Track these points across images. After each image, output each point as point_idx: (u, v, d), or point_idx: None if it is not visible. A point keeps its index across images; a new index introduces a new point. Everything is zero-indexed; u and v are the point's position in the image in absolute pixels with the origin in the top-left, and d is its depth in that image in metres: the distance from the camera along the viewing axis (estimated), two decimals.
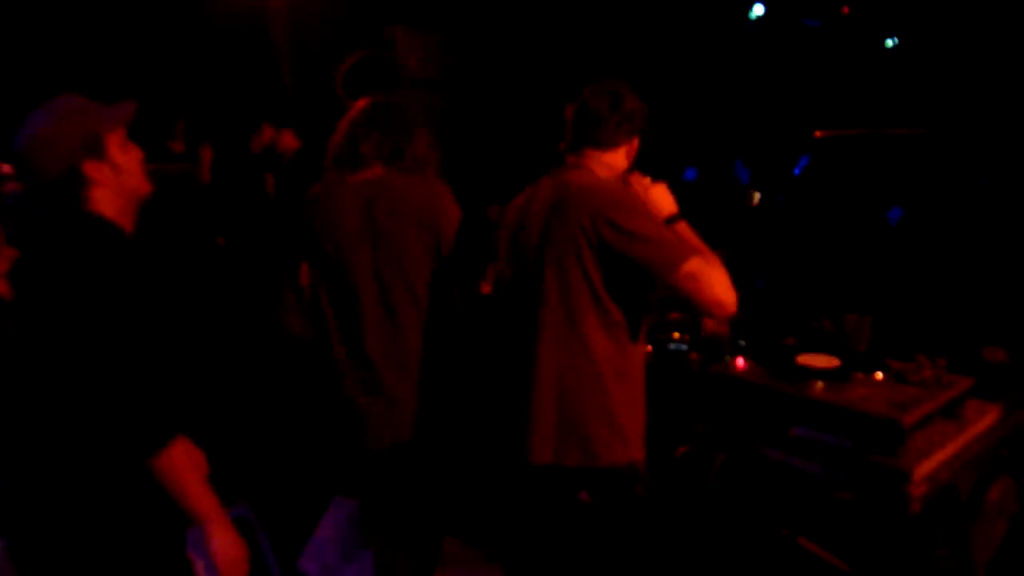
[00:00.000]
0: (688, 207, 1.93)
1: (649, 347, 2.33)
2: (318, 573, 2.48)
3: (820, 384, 2.12)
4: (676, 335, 2.33)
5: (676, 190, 1.93)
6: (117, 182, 1.51)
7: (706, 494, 2.67)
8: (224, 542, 1.44)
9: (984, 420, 2.20)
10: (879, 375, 2.19)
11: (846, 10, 6.35)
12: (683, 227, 1.84)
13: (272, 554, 2.36)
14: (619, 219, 1.73)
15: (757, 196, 5.23)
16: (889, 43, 6.43)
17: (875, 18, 6.46)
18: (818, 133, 5.27)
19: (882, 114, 5.83)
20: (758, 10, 6.51)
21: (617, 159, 1.93)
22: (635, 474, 1.84)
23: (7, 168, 2.83)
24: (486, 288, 2.38)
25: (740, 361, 2.26)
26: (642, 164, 1.98)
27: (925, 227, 4.46)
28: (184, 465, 1.42)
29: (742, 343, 2.31)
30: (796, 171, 5.47)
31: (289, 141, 3.78)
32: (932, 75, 6.05)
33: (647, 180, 1.94)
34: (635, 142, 1.94)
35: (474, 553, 2.76)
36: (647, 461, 1.89)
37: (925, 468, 1.94)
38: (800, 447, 2.05)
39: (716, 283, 1.69)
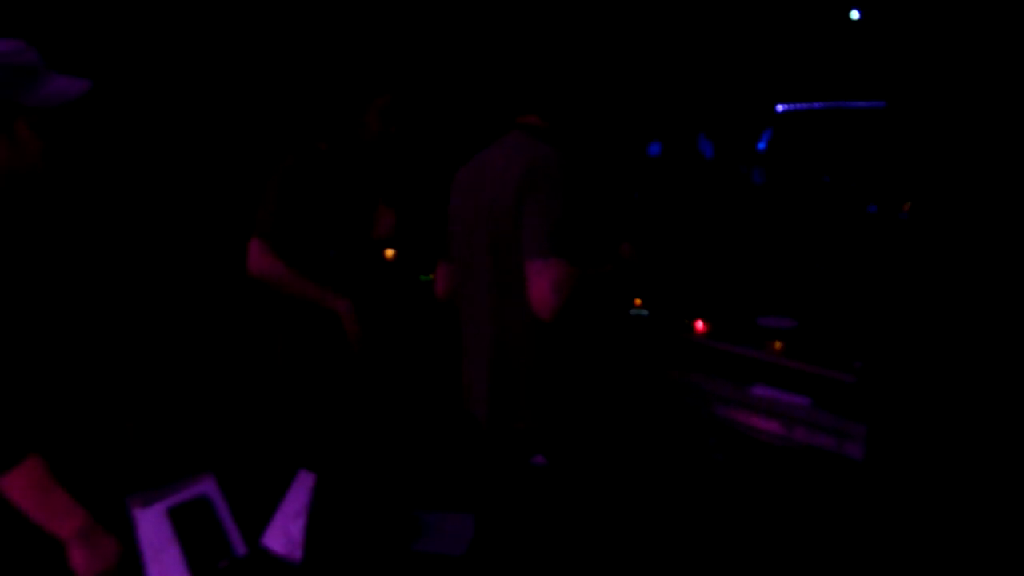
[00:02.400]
0: (654, 182, 1.96)
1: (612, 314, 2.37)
2: (283, 548, 2.48)
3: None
4: (638, 301, 2.36)
5: (641, 165, 1.96)
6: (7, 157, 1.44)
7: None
8: (84, 556, 1.41)
9: None
10: None
11: None
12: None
13: (236, 530, 2.35)
14: (543, 187, 1.78)
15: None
16: (855, 15, 6.47)
17: None
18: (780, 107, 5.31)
19: (846, 87, 5.89)
20: None
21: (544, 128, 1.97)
22: (554, 436, 1.90)
23: None
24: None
25: (699, 324, 2.31)
26: (607, 140, 2.00)
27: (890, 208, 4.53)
28: (34, 484, 1.37)
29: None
30: (760, 145, 5.52)
31: None
32: (897, 47, 6.11)
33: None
34: None
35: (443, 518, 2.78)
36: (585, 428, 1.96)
37: None
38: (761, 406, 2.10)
39: (555, 288, 1.76)
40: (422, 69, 5.32)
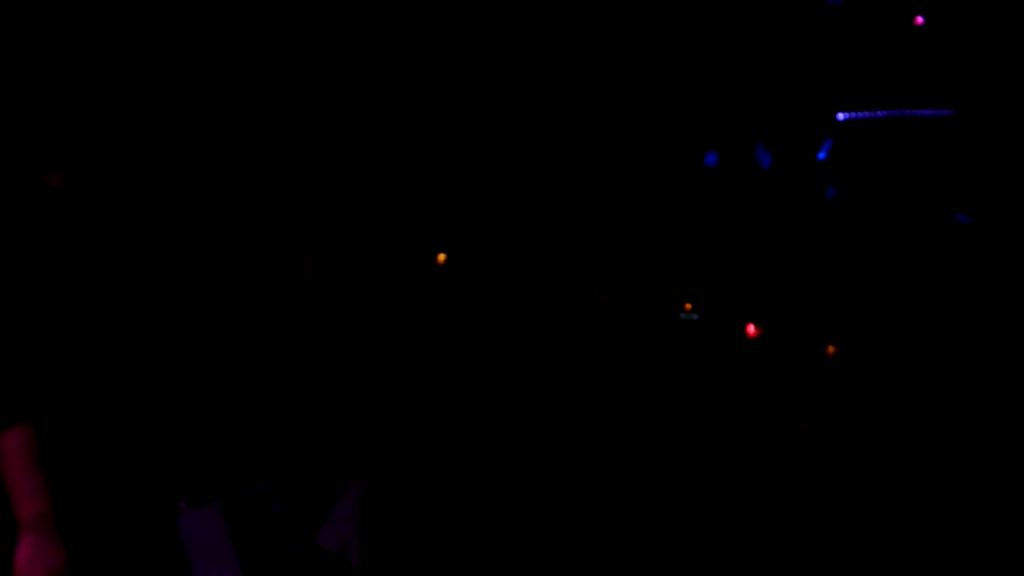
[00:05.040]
0: (711, 193, 1.94)
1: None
2: (335, 547, 2.54)
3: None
4: (688, 306, 2.35)
5: (697, 175, 1.95)
6: None
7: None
8: (28, 551, 1.37)
9: None
10: None
11: None
12: None
13: (290, 530, 2.40)
14: None
15: None
16: (919, 20, 6.30)
17: None
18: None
19: (909, 95, 5.73)
20: None
21: None
22: None
23: None
24: None
25: (751, 328, 2.28)
26: (664, 149, 1.99)
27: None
28: (17, 452, 1.35)
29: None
30: (821, 155, 5.42)
31: None
32: (965, 53, 5.93)
33: None
34: None
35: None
36: None
37: None
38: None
39: None
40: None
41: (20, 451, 1.36)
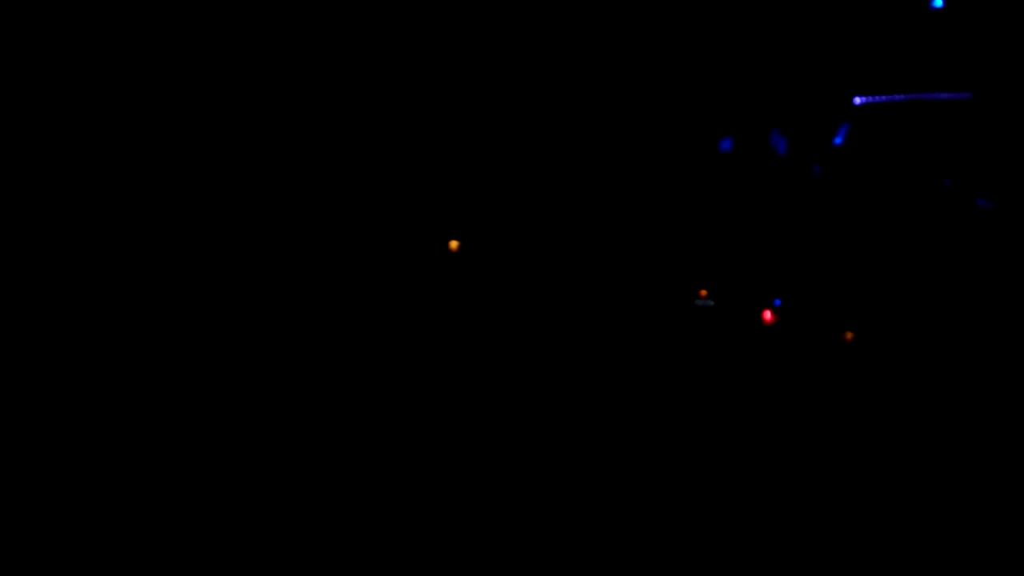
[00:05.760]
0: (725, 180, 1.88)
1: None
2: None
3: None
4: (703, 293, 2.31)
5: (712, 162, 1.89)
6: None
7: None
8: None
9: None
10: None
11: None
12: None
13: None
14: None
15: None
16: (939, 2, 6.20)
17: None
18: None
19: (928, 78, 5.64)
20: None
21: None
22: None
23: None
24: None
25: (767, 314, 2.24)
26: (676, 136, 1.93)
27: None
28: None
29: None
30: (837, 141, 5.34)
31: None
32: (985, 36, 5.82)
33: None
34: None
35: None
36: None
37: None
38: None
39: None
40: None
41: None
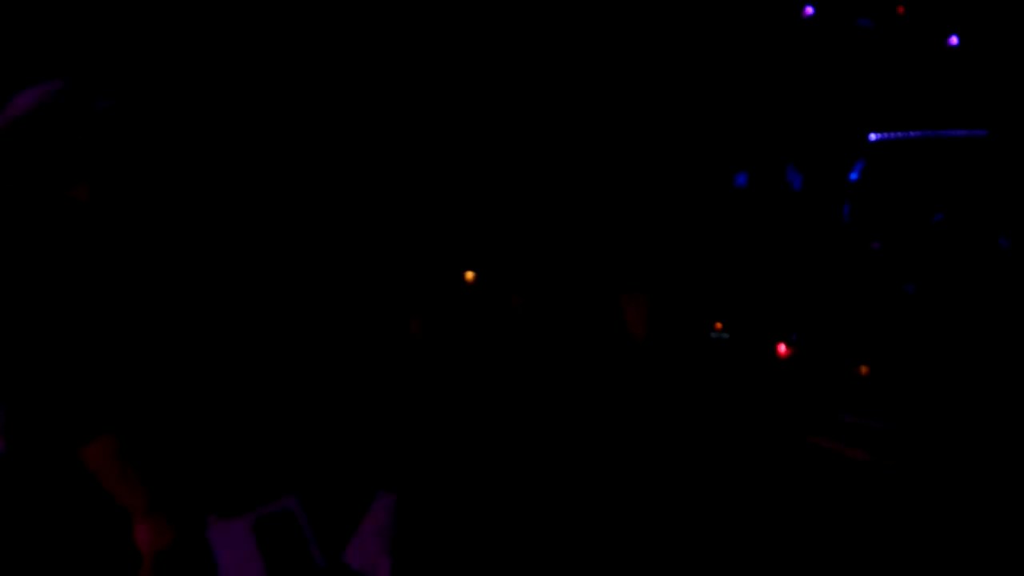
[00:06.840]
0: (740, 214, 1.92)
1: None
2: (362, 565, 2.52)
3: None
4: (719, 325, 2.34)
5: (727, 196, 1.93)
6: None
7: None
8: (145, 532, 1.53)
9: None
10: None
11: (901, 10, 6.20)
12: None
13: (317, 546, 2.39)
14: None
15: None
16: (953, 40, 6.25)
17: (934, 17, 6.30)
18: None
19: (942, 116, 5.67)
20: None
21: None
22: None
23: None
24: None
25: (782, 348, 2.26)
26: (694, 170, 1.98)
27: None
28: (107, 462, 1.48)
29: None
30: (852, 176, 5.37)
31: None
32: (999, 73, 5.86)
33: None
34: None
35: None
36: None
37: None
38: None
39: None
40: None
41: (106, 461, 1.48)
